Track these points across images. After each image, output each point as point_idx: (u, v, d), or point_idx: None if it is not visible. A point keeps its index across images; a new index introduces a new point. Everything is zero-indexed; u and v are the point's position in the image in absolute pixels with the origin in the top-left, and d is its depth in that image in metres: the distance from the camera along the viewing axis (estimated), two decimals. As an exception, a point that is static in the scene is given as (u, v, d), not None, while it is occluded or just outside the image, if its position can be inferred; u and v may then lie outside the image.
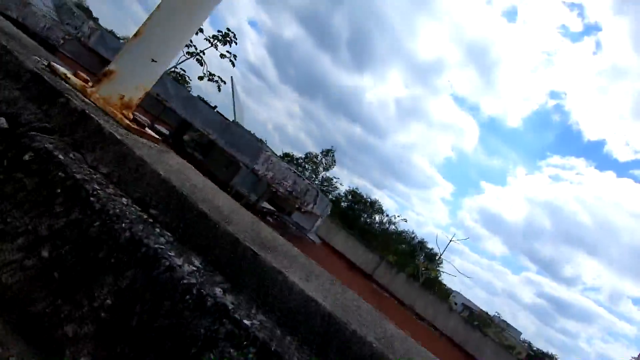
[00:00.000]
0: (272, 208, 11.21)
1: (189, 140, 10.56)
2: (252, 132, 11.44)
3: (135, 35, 1.14)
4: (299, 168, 48.42)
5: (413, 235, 48.25)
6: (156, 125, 11.01)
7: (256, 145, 7.98)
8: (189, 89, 38.57)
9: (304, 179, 8.14)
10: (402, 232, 48.03)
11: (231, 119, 10.57)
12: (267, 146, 12.49)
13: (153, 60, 1.12)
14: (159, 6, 1.17)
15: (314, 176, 48.76)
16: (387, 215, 50.24)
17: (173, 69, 19.26)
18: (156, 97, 8.39)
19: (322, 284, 1.02)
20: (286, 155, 49.57)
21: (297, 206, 8.71)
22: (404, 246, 43.66)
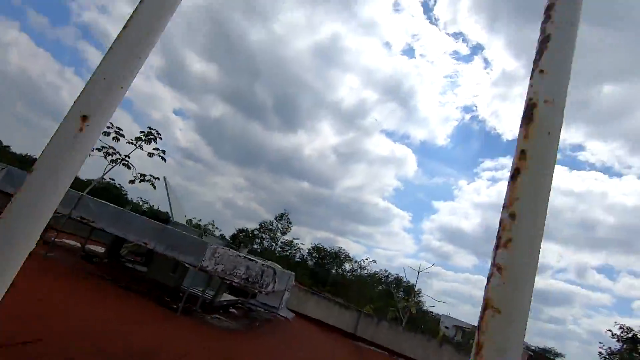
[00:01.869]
0: (233, 298, 10.64)
1: (127, 253, 9.92)
2: (197, 223, 11.10)
3: None
4: (257, 240, 47.20)
5: (387, 274, 48.06)
6: (88, 247, 10.25)
7: (198, 242, 7.73)
8: (125, 193, 36.95)
9: (256, 262, 7.94)
10: (375, 273, 47.69)
11: (172, 217, 10.23)
12: (214, 235, 12.10)
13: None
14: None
15: (273, 244, 47.64)
16: (356, 262, 49.86)
17: (99, 181, 18.50)
18: (80, 221, 7.94)
19: None
20: (240, 231, 48.23)
21: (256, 291, 8.35)
22: (381, 287, 43.11)
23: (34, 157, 50.87)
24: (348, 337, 13.68)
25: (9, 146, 49.06)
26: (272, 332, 9.32)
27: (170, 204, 10.02)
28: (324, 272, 48.22)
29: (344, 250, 50.80)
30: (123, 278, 8.45)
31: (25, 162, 47.32)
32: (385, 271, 48.89)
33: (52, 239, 8.43)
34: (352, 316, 14.41)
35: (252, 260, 7.96)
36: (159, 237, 7.68)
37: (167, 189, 10.25)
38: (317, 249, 51.08)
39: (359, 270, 48.33)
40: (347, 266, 49.70)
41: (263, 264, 8.05)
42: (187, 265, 7.87)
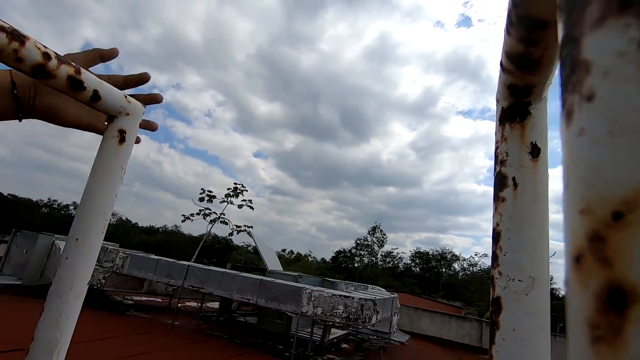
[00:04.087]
0: (342, 332, 10.64)
1: (237, 306, 10.78)
2: (296, 256, 11.51)
3: None
4: (356, 258, 47.29)
5: (504, 265, 43.42)
6: (205, 306, 11.42)
7: (293, 288, 7.99)
8: (230, 242, 40.77)
9: (352, 298, 7.86)
10: (489, 268, 43.46)
11: (266, 266, 10.86)
12: (310, 277, 12.41)
13: None
14: None
15: (373, 259, 47.17)
16: (464, 259, 46.26)
17: (205, 240, 20.75)
18: (192, 289, 8.89)
19: None
20: (339, 252, 48.97)
21: (360, 327, 8.25)
22: (501, 282, 39.04)
23: (156, 227, 59.49)
24: (474, 352, 12.54)
25: (136, 223, 58.57)
26: (390, 358, 9.02)
27: (261, 255, 10.63)
28: (433, 276, 45.71)
29: (448, 249, 47.70)
30: (238, 333, 9.11)
31: (150, 233, 55.84)
32: (502, 263, 44.17)
33: (176, 307, 9.56)
34: (473, 327, 13.22)
35: (349, 297, 7.90)
36: (258, 292, 8.15)
37: (254, 241, 10.97)
38: (419, 254, 48.93)
39: (470, 269, 44.66)
40: (456, 266, 46.34)
41: (360, 298, 7.93)
42: (288, 313, 8.16)
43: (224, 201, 20.02)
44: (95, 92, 0.63)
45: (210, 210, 19.87)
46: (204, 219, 20.02)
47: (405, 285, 39.93)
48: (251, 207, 20.40)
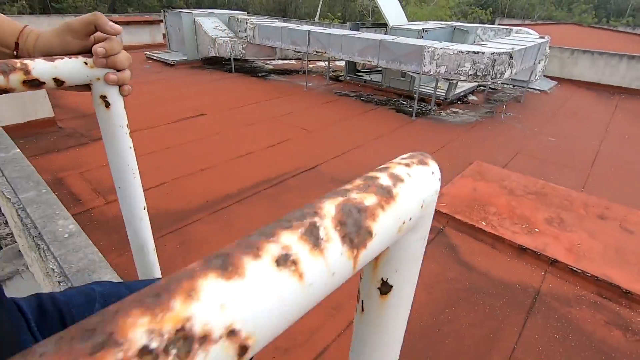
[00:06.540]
0: (471, 85, 10.21)
1: (363, 65, 10.98)
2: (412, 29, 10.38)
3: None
4: (474, 15, 37.14)
5: None
6: (333, 65, 12.11)
7: (414, 47, 7.50)
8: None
9: (483, 53, 7.02)
10: None
11: (387, 22, 10.01)
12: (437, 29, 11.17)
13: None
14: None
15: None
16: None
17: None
18: (315, 53, 9.30)
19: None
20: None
21: (490, 83, 7.59)
22: None
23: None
24: (640, 97, 10.76)
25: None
26: (520, 113, 8.81)
27: (381, 8, 9.61)
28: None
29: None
30: (364, 91, 9.84)
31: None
32: None
33: (307, 70, 10.50)
34: (649, 69, 10.73)
35: (478, 52, 7.07)
36: (378, 53, 8.01)
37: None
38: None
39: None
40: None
41: (493, 53, 7.05)
42: (410, 73, 8.07)
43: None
44: (55, 79, 0.64)
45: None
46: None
47: (574, 15, 31.71)
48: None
